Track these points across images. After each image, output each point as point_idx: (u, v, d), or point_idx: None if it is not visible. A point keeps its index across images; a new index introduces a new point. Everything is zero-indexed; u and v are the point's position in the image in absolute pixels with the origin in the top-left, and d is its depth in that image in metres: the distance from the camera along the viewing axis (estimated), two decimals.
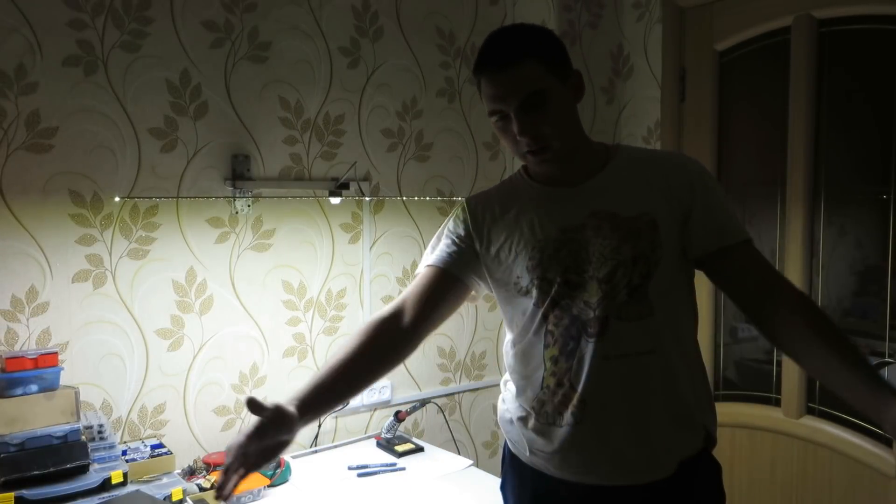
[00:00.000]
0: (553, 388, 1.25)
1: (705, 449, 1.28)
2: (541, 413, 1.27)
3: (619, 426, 1.21)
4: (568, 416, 1.23)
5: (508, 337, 1.35)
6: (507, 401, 1.36)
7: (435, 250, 1.37)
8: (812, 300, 1.15)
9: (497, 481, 1.95)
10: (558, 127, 1.21)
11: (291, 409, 1.14)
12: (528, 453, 1.31)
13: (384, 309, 1.33)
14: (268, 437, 1.11)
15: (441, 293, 1.33)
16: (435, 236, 1.41)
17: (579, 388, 1.21)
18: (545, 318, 1.25)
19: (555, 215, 1.26)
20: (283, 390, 2.20)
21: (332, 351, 2.30)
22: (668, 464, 1.23)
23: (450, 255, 1.34)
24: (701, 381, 1.29)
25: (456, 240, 1.35)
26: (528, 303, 1.26)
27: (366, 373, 1.27)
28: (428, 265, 1.36)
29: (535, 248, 1.26)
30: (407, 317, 1.30)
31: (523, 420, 1.30)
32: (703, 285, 1.39)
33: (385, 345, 1.29)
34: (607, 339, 1.20)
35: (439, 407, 2.53)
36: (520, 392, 1.32)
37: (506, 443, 1.40)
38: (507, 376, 1.39)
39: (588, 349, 1.21)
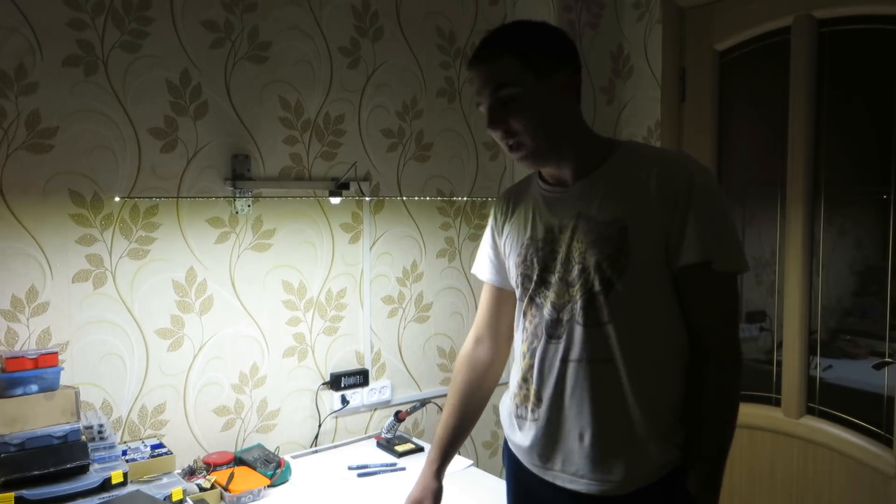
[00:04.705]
0: (520, 383, 1.32)
1: (676, 473, 1.20)
2: (513, 404, 1.35)
3: (571, 430, 1.23)
4: (528, 412, 1.29)
5: None
6: (511, 385, 1.42)
7: (478, 256, 1.50)
8: (721, 374, 1.20)
9: (497, 481, 1.96)
10: (531, 125, 1.19)
11: (434, 483, 1.46)
12: (508, 438, 1.39)
13: (467, 342, 1.51)
14: None
15: (500, 306, 1.46)
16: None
17: (536, 387, 1.27)
18: (524, 314, 1.32)
19: (547, 216, 1.29)
20: (283, 390, 2.21)
21: (334, 346, 2.31)
22: (620, 481, 1.19)
23: (489, 265, 1.46)
24: (671, 396, 1.21)
25: (488, 246, 1.46)
26: (516, 298, 1.36)
27: (475, 409, 1.51)
28: (483, 279, 1.49)
29: (523, 245, 1.31)
30: (485, 344, 1.48)
31: (508, 408, 1.38)
32: None
33: (477, 381, 1.49)
34: (565, 342, 1.23)
35: (439, 407, 2.53)
36: (511, 381, 1.39)
37: None
38: None
39: (547, 350, 1.25)
